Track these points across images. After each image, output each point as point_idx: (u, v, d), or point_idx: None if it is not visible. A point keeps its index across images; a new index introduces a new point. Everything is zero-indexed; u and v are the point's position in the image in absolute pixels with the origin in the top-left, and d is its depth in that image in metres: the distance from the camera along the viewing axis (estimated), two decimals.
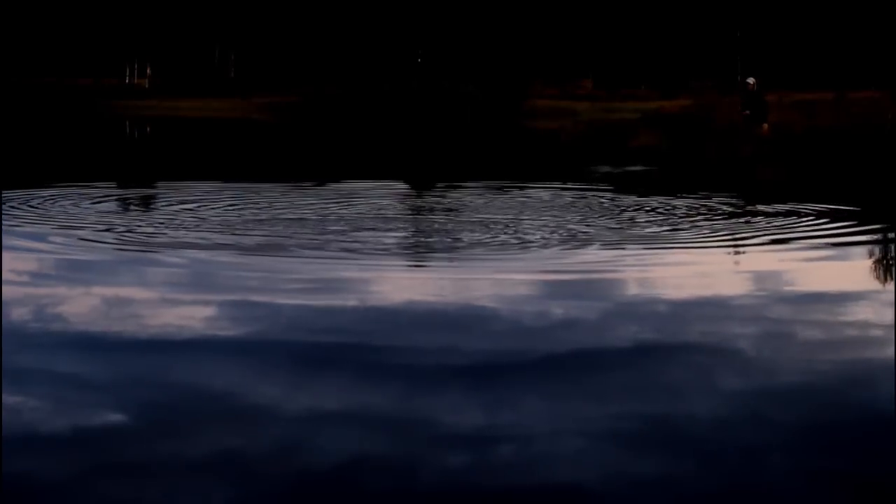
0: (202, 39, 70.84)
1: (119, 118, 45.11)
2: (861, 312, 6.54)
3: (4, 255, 8.03)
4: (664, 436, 4.16)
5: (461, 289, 7.22)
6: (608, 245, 9.00)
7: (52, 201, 11.97)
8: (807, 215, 10.93)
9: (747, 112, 20.23)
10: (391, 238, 9.45)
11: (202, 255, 8.37)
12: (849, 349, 5.62)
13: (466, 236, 9.47)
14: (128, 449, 3.97)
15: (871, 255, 9.08)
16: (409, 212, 12.06)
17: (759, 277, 7.71)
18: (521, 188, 14.45)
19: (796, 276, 7.78)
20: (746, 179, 16.75)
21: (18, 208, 11.17)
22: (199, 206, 11.82)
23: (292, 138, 33.64)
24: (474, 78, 64.13)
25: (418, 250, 9.02)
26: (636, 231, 9.92)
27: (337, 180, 15.68)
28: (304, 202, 12.43)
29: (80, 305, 6.60)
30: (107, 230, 9.70)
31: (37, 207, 11.33)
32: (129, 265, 8.15)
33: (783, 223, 10.46)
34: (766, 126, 20.29)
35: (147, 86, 68.30)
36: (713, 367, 5.16)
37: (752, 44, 66.38)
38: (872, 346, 5.69)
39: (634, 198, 12.95)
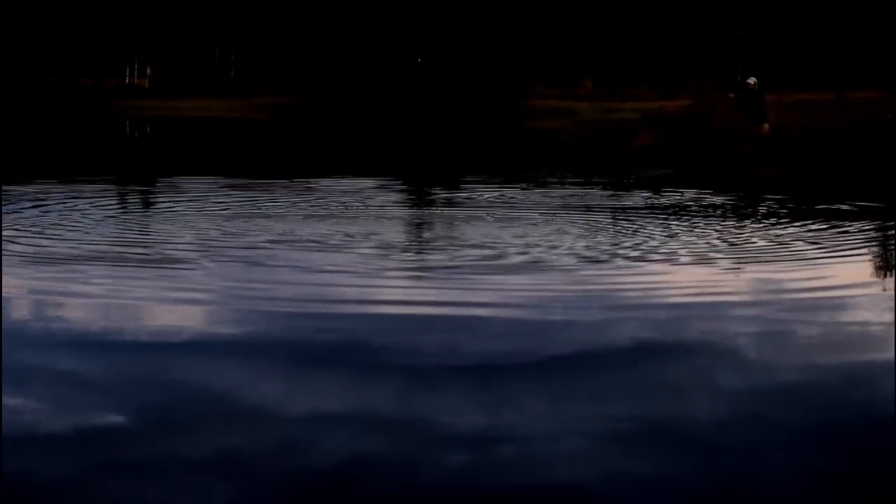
0: (202, 39, 70.80)
1: (119, 118, 45.10)
2: (861, 312, 6.54)
3: None
4: (664, 436, 4.16)
5: (465, 290, 7.22)
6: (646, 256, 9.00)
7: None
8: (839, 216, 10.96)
9: (744, 112, 20.20)
10: (391, 238, 9.45)
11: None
12: (849, 349, 5.62)
13: (467, 239, 9.48)
14: (128, 449, 3.96)
15: (873, 253, 9.08)
16: (412, 211, 12.06)
17: (766, 278, 7.72)
18: (527, 188, 14.45)
19: (797, 276, 7.78)
20: (755, 179, 16.75)
21: None
22: (190, 207, 11.82)
23: (292, 138, 33.63)
24: (474, 78, 64.08)
25: (427, 250, 9.03)
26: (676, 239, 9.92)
27: (335, 179, 15.67)
28: (303, 201, 12.43)
29: None
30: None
31: None
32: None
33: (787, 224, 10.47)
34: (766, 126, 20.28)
35: (147, 86, 68.27)
36: (713, 367, 5.16)
37: (752, 44, 66.36)
38: (872, 346, 5.69)
39: (643, 198, 12.95)
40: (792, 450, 4.01)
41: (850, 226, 10.30)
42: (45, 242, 8.86)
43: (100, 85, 64.57)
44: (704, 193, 13.38)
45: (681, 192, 13.58)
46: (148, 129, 38.53)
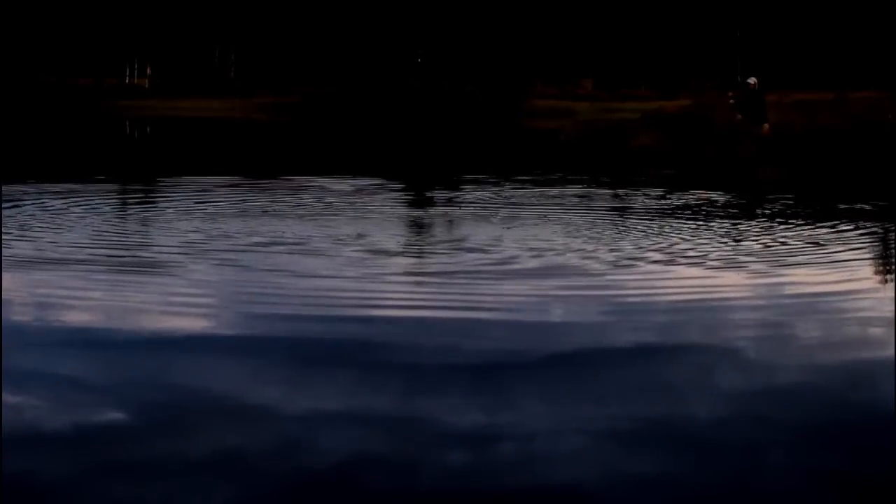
0: (202, 39, 70.77)
1: (119, 118, 45.07)
2: (861, 313, 6.54)
3: None
4: (664, 436, 4.15)
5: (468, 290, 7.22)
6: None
7: None
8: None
9: (740, 117, 20.17)
10: (390, 238, 9.44)
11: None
12: (849, 349, 5.62)
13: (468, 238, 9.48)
14: (128, 449, 3.96)
15: (873, 253, 9.08)
16: (413, 211, 12.06)
17: (762, 279, 7.72)
18: (525, 188, 14.44)
19: (797, 276, 7.78)
20: (756, 179, 16.74)
21: None
22: (193, 205, 11.82)
23: (292, 138, 33.62)
24: (474, 78, 64.06)
25: (430, 251, 9.02)
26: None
27: (335, 178, 15.65)
28: (303, 201, 12.42)
29: None
30: None
31: None
32: None
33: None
34: (766, 126, 20.25)
35: (147, 86, 68.25)
36: (714, 367, 5.16)
37: (752, 44, 66.35)
38: (873, 347, 5.69)
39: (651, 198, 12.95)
40: (792, 450, 4.01)
41: (850, 226, 10.29)
42: (43, 243, 8.85)
43: (100, 85, 64.55)
44: (705, 194, 13.37)
45: (681, 192, 13.57)
46: (148, 130, 38.52)
